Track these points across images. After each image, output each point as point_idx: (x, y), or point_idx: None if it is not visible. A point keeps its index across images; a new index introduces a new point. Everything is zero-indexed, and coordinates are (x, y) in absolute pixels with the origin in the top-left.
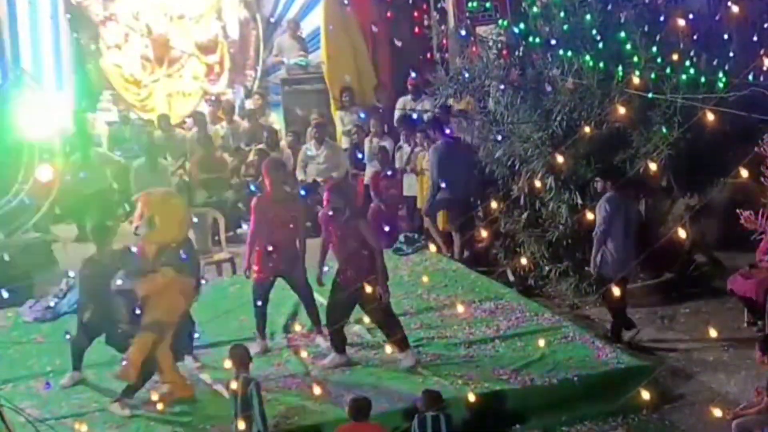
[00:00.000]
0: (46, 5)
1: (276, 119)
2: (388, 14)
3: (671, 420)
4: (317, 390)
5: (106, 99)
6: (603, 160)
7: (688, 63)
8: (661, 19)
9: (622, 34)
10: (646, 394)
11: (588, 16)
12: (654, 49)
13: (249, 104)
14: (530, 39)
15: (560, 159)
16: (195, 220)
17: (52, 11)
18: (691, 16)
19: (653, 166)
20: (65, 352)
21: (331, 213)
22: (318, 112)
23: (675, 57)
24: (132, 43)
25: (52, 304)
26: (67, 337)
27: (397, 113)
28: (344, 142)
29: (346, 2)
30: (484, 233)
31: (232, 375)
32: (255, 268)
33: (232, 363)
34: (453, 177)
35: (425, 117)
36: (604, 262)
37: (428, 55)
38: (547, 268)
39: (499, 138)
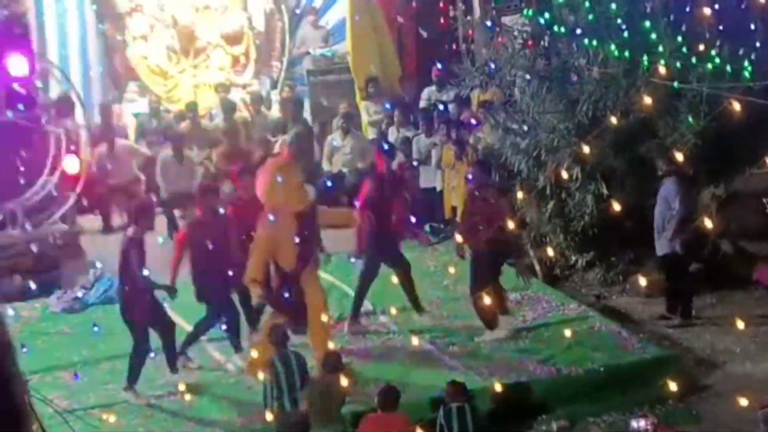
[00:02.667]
0: None
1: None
2: (414, 5)
3: (698, 410)
4: (344, 381)
5: (132, 90)
6: (629, 150)
7: (713, 52)
8: (687, 8)
9: (648, 23)
10: (672, 384)
11: (613, 6)
12: (679, 38)
13: (282, 95)
14: (556, 29)
15: (586, 149)
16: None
17: (78, 3)
18: (716, 5)
19: (679, 156)
20: (92, 343)
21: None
22: (345, 103)
23: (701, 46)
24: (158, 34)
25: (79, 295)
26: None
27: (422, 103)
28: (370, 133)
29: None
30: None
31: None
32: None
33: (272, 341)
34: None
35: (450, 108)
36: (682, 242)
37: (454, 46)
38: (573, 258)
39: (525, 128)
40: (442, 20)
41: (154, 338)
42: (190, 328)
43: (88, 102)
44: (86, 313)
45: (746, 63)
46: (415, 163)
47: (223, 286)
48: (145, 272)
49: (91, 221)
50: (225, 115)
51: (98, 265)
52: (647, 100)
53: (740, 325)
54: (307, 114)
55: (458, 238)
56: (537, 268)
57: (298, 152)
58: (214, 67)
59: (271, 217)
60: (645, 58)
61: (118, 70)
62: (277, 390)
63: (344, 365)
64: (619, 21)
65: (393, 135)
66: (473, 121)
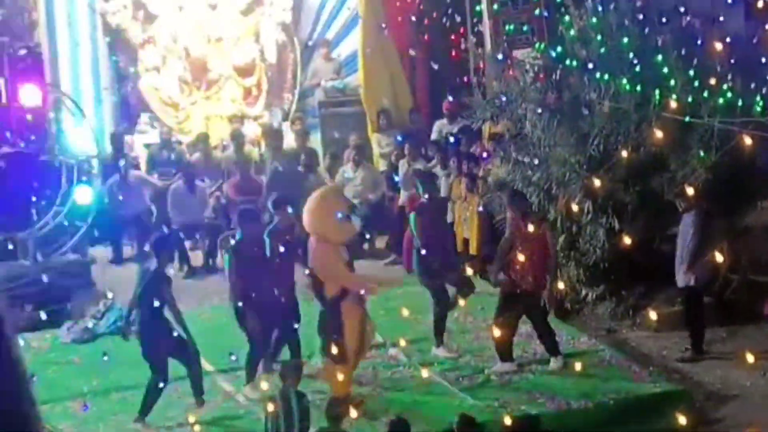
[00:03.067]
0: (86, 28)
1: (313, 142)
2: (426, 37)
3: None
4: (354, 413)
5: (144, 121)
6: (640, 184)
7: (725, 86)
8: (698, 42)
9: (659, 57)
10: (682, 419)
11: (625, 40)
12: (691, 72)
13: (293, 127)
14: (567, 62)
15: (597, 182)
16: (232, 242)
17: (91, 34)
18: (728, 39)
19: (691, 190)
20: (102, 373)
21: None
22: (357, 135)
23: (712, 81)
24: (170, 65)
25: (90, 325)
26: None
27: (433, 136)
28: (381, 165)
29: (383, 25)
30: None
31: (275, 391)
32: None
33: (285, 377)
34: None
35: (462, 141)
36: (701, 274)
37: (465, 79)
38: (583, 291)
39: (536, 161)
40: (453, 53)
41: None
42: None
43: (100, 133)
44: (96, 344)
45: (758, 97)
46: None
47: (264, 313)
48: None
49: (102, 252)
50: (236, 146)
51: (109, 295)
52: (658, 134)
53: (750, 359)
54: (318, 145)
55: (468, 270)
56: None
57: (274, 188)
58: (225, 98)
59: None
60: (656, 92)
61: (130, 101)
62: (274, 427)
63: (353, 401)
64: (630, 55)
65: (403, 168)
66: (484, 154)
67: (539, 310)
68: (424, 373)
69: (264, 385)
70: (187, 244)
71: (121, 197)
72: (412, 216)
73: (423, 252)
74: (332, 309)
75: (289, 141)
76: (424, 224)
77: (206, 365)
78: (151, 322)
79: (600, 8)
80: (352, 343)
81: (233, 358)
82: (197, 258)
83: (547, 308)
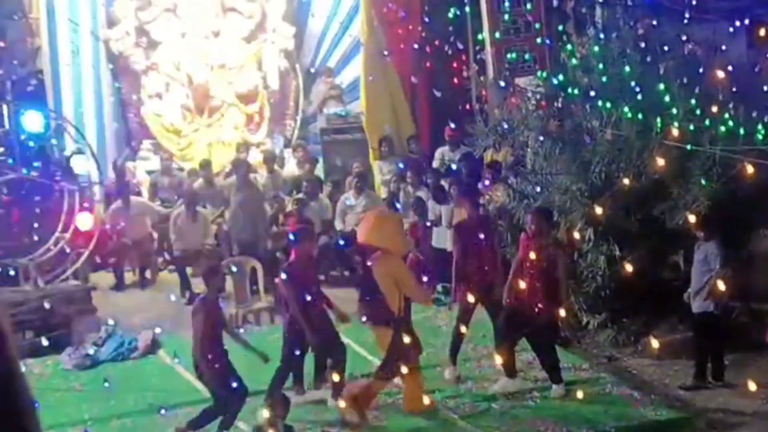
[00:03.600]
0: (89, 55)
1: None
2: (428, 65)
3: None
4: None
5: (146, 148)
6: (642, 211)
7: (726, 115)
8: (700, 70)
9: (661, 85)
10: None
11: (627, 68)
12: (693, 100)
13: (295, 154)
14: (569, 90)
15: (599, 210)
16: (234, 269)
17: (94, 61)
18: (729, 67)
19: (693, 218)
20: (103, 399)
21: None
22: (359, 162)
23: (714, 109)
24: (173, 92)
25: (91, 351)
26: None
27: (435, 163)
28: (383, 192)
29: (385, 53)
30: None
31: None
32: None
33: (271, 410)
34: None
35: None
36: (716, 299)
37: (467, 106)
38: (585, 319)
39: (538, 189)
40: (455, 80)
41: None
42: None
43: (102, 159)
44: (97, 370)
45: (759, 125)
46: (428, 224)
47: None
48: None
49: (104, 278)
50: (238, 173)
51: (110, 322)
52: (660, 161)
53: (753, 387)
54: (320, 172)
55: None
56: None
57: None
58: (228, 125)
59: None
60: (658, 120)
61: (132, 127)
62: None
63: None
64: (632, 83)
65: (404, 195)
66: (486, 182)
67: (542, 337)
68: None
69: (265, 413)
70: (188, 270)
71: (122, 224)
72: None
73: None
74: (397, 328)
75: (291, 168)
76: (462, 243)
77: (207, 393)
78: (203, 352)
79: (602, 36)
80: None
81: (234, 385)
82: (199, 285)
83: (565, 334)
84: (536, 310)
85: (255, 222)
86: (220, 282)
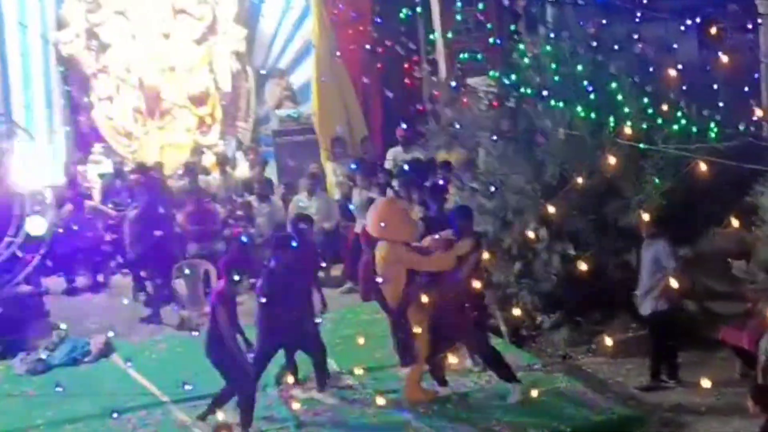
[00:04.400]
0: (38, 58)
1: (268, 170)
2: (379, 65)
3: None
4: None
5: (97, 151)
6: (595, 210)
7: (678, 113)
8: (652, 69)
9: (614, 84)
10: None
11: (579, 67)
12: (645, 99)
13: (248, 156)
14: (521, 90)
15: (552, 210)
16: (187, 272)
17: (43, 64)
18: (681, 66)
19: (646, 217)
20: (56, 404)
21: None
22: (311, 163)
23: (666, 107)
24: (124, 95)
25: (43, 356)
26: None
27: (387, 164)
28: (336, 194)
29: (337, 54)
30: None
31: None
32: None
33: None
34: None
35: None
36: (669, 298)
37: (419, 106)
38: (539, 318)
39: (491, 189)
40: (407, 81)
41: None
42: None
43: (53, 163)
44: (50, 375)
45: (711, 124)
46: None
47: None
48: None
49: (56, 282)
50: (190, 176)
51: (62, 326)
52: (613, 160)
53: (706, 384)
54: (272, 174)
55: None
56: (503, 328)
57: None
58: (179, 128)
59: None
60: (611, 119)
61: (83, 131)
62: None
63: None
64: (585, 82)
65: (356, 196)
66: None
67: (474, 339)
68: (380, 401)
69: (220, 416)
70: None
71: (74, 227)
72: None
73: None
74: (399, 316)
75: (243, 170)
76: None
77: (161, 396)
78: (214, 342)
79: (553, 36)
80: (422, 347)
81: (188, 387)
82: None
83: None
84: (460, 313)
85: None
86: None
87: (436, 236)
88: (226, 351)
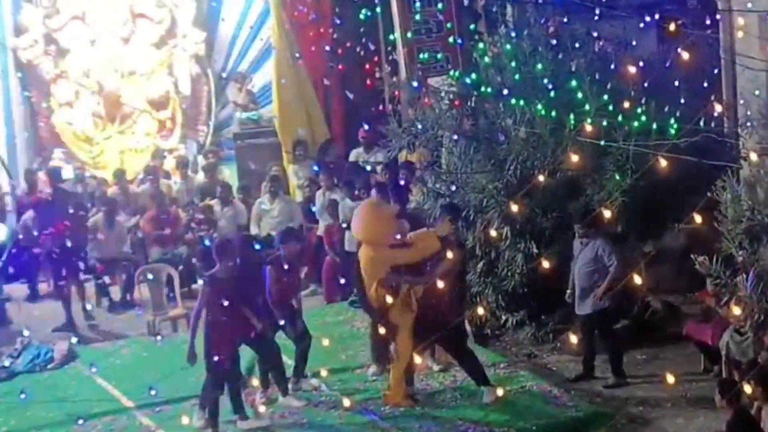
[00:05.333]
0: None
1: (229, 174)
2: (340, 67)
3: None
4: None
5: (57, 157)
6: (558, 209)
7: (639, 110)
8: (612, 67)
9: (574, 82)
10: None
11: (539, 66)
12: (605, 96)
13: (207, 160)
14: (482, 89)
15: (515, 208)
16: (150, 276)
17: (2, 70)
18: (641, 63)
19: (607, 213)
20: (20, 411)
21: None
22: (273, 166)
23: (626, 104)
24: (83, 100)
25: (6, 363)
26: None
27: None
28: (298, 196)
29: (297, 56)
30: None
31: None
32: None
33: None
34: None
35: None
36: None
37: (380, 107)
38: (504, 317)
39: (454, 188)
40: (368, 82)
41: None
42: None
43: (14, 169)
44: (13, 382)
45: (671, 120)
46: (344, 226)
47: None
48: None
49: (18, 289)
50: (151, 180)
51: (25, 333)
52: (574, 158)
53: (671, 380)
54: (234, 177)
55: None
56: (468, 327)
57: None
58: (140, 132)
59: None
60: (571, 116)
61: (43, 136)
62: None
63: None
64: (545, 80)
65: (319, 198)
66: (401, 182)
67: (450, 340)
68: (346, 402)
69: (185, 420)
70: (106, 278)
71: (36, 234)
72: None
73: None
74: (381, 317)
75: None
76: None
77: (126, 401)
78: (209, 326)
79: (514, 35)
80: (404, 348)
81: (152, 392)
82: (115, 292)
83: (467, 334)
84: (440, 313)
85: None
86: (232, 258)
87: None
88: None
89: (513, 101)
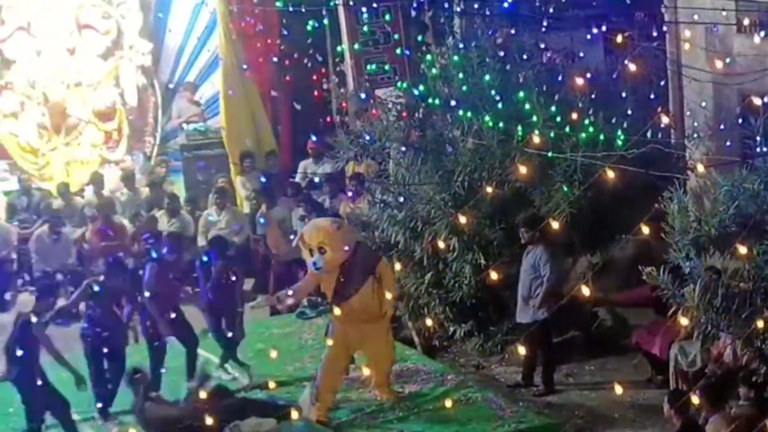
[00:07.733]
0: None
1: (176, 185)
2: (287, 78)
3: None
4: None
5: (2, 168)
6: (505, 220)
7: (586, 121)
8: (559, 78)
9: (521, 93)
10: None
11: (487, 77)
12: (553, 108)
13: (157, 171)
14: (430, 100)
15: (463, 219)
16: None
17: None
18: (588, 75)
19: (555, 225)
20: None
21: None
22: (220, 177)
23: (574, 115)
24: (28, 111)
25: None
26: None
27: (298, 177)
28: (246, 207)
29: (245, 67)
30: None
31: None
32: None
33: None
34: None
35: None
36: (549, 308)
37: (328, 119)
38: (452, 328)
39: (401, 200)
40: (316, 93)
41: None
42: None
43: None
44: None
45: (619, 131)
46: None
47: None
48: None
49: None
50: (96, 192)
51: None
52: (522, 169)
53: (619, 390)
54: (181, 188)
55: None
56: (416, 339)
57: None
58: (86, 144)
59: None
60: (519, 128)
61: None
62: None
63: None
64: (492, 92)
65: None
66: (349, 194)
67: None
68: (294, 414)
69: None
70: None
71: None
72: None
73: None
74: None
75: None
76: None
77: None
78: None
79: (461, 46)
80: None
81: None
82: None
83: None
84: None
85: None
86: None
87: None
88: None
89: (461, 112)
